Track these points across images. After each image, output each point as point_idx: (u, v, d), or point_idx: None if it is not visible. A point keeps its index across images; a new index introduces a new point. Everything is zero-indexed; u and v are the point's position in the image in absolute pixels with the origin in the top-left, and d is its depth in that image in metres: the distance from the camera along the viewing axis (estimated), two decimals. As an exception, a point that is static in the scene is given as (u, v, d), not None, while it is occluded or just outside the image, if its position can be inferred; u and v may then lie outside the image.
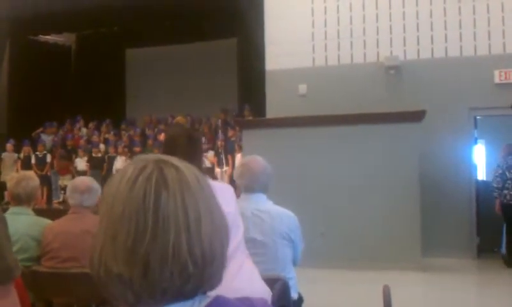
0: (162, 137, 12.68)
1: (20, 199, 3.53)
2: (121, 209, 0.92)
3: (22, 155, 13.54)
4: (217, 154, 12.09)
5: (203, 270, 0.93)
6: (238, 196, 2.84)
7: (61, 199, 12.56)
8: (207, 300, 0.96)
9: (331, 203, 7.88)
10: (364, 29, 9.54)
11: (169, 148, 2.47)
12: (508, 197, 7.96)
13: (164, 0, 13.16)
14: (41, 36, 16.63)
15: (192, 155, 2.36)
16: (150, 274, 0.90)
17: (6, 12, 13.93)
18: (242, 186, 3.23)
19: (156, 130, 14.35)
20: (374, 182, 7.82)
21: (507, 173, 8.01)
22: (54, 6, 13.39)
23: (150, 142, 13.46)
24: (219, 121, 13.20)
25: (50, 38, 17.07)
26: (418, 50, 9.26)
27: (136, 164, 0.97)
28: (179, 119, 12.78)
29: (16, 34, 15.00)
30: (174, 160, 1.00)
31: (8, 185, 3.58)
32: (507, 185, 7.98)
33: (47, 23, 14.78)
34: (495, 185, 8.07)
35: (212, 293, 0.98)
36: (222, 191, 2.30)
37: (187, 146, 2.43)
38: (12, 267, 1.17)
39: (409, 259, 7.46)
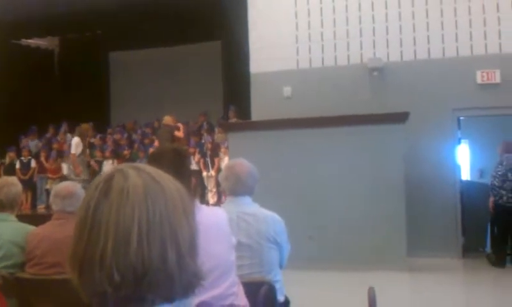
0: (148, 141, 12.55)
1: (3, 205, 3.48)
2: (78, 215, 0.99)
3: (6, 161, 13.38)
4: (203, 157, 12.04)
5: (136, 280, 0.92)
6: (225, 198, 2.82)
7: (45, 205, 12.43)
8: None
9: (316, 205, 7.89)
10: (347, 31, 9.57)
11: (155, 165, 2.22)
12: (505, 198, 7.90)
13: (147, 2, 13.11)
14: (23, 40, 16.44)
15: (180, 173, 2.05)
16: (82, 278, 0.95)
17: (-12, 16, 13.77)
18: (228, 189, 3.23)
19: (140, 132, 14.29)
20: (359, 183, 7.85)
21: (509, 174, 7.93)
22: (36, 9, 13.27)
23: (135, 146, 13.39)
24: (205, 124, 13.12)
25: (33, 41, 16.89)
26: (401, 52, 9.31)
27: (106, 172, 1.01)
28: (167, 119, 12.01)
29: (-2, 38, 14.82)
30: (136, 167, 1.01)
31: (-10, 191, 3.51)
32: (505, 185, 7.91)
33: (29, 27, 14.63)
34: (496, 184, 8.00)
35: (195, 300, 0.97)
36: (212, 227, 2.20)
37: (173, 164, 2.25)
38: None
39: (395, 260, 7.49)
